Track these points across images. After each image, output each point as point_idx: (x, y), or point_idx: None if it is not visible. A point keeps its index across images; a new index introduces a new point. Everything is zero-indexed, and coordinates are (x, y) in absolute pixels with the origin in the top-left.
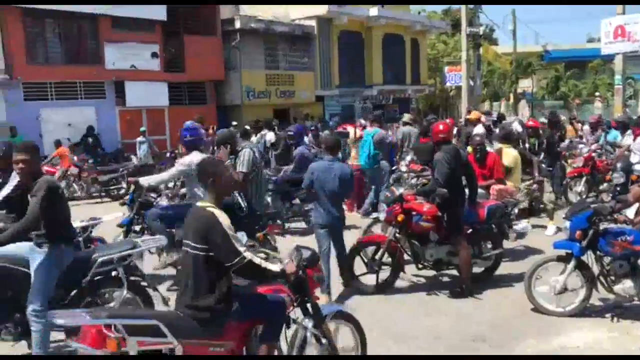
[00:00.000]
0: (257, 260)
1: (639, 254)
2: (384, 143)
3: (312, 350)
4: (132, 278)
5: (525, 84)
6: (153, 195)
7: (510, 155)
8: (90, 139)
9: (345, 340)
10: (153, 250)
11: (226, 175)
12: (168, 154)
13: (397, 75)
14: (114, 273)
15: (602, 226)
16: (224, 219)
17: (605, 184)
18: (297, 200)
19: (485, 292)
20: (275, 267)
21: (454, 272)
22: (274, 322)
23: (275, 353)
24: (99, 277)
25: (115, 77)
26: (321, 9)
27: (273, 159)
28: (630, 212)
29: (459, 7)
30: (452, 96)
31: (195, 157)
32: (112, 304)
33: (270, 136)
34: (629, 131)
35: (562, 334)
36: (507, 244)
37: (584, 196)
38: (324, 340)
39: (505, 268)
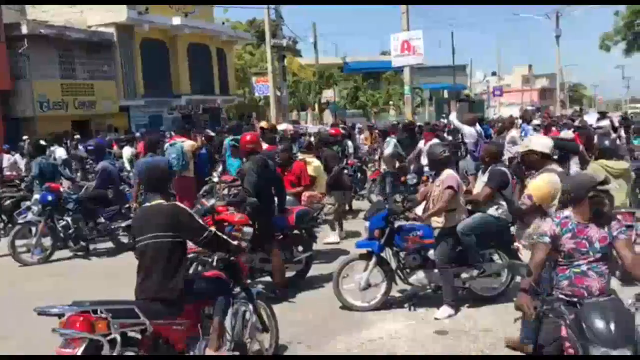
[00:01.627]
0: (219, 235)
1: (429, 246)
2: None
3: (250, 324)
4: None
5: (329, 94)
6: None
7: (313, 165)
8: None
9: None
10: None
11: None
12: None
13: (205, 85)
14: None
15: (397, 224)
16: (182, 205)
17: (402, 187)
18: (102, 219)
19: (299, 294)
20: (233, 242)
21: (268, 278)
22: (221, 300)
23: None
24: None
25: None
26: (120, 16)
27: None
28: (418, 210)
29: (263, 18)
30: (262, 106)
31: None
32: None
33: (60, 152)
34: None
35: (367, 327)
36: (315, 247)
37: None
38: (254, 318)
39: (317, 270)
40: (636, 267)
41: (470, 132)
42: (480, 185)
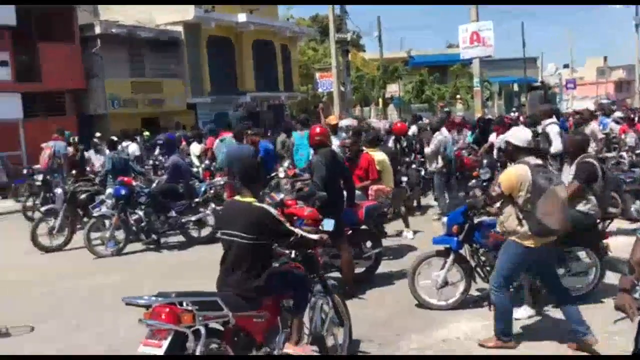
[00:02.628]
0: (304, 234)
1: None
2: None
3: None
4: None
5: (393, 89)
6: None
7: (379, 158)
8: None
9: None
10: None
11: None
12: (25, 171)
13: (269, 81)
14: None
15: (476, 220)
16: (272, 209)
17: (473, 180)
18: (173, 213)
19: (369, 291)
20: (315, 236)
21: (337, 274)
22: (300, 294)
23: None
24: None
25: None
26: (188, 14)
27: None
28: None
29: (326, 14)
30: (325, 102)
31: None
32: None
33: (133, 148)
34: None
35: (443, 326)
36: (385, 242)
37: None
38: (332, 311)
39: (386, 266)
40: None
41: (554, 131)
42: (567, 179)
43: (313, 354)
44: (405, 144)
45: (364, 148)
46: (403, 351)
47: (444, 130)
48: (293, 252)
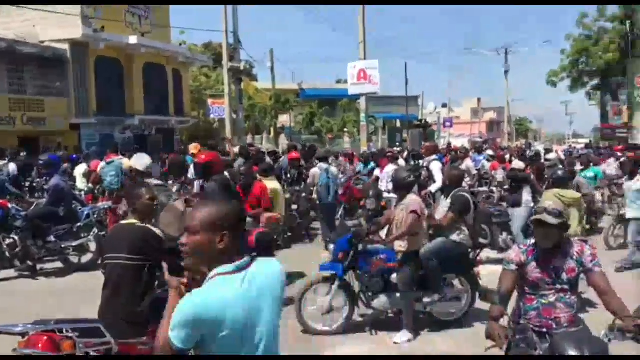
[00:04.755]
0: None
1: (392, 270)
2: None
3: None
4: None
5: (284, 119)
6: None
7: (271, 187)
8: None
9: None
10: None
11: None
12: None
13: (159, 105)
14: None
15: (361, 247)
16: (156, 229)
17: (360, 210)
18: (52, 238)
19: None
20: None
21: None
22: None
23: None
24: None
25: None
26: (75, 33)
27: None
28: (382, 233)
29: (220, 42)
30: (216, 128)
31: None
32: None
33: (12, 167)
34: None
35: (327, 351)
36: None
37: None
38: None
39: None
40: (613, 302)
41: (437, 168)
42: (442, 210)
43: None
44: (295, 172)
45: (257, 176)
46: None
47: (321, 164)
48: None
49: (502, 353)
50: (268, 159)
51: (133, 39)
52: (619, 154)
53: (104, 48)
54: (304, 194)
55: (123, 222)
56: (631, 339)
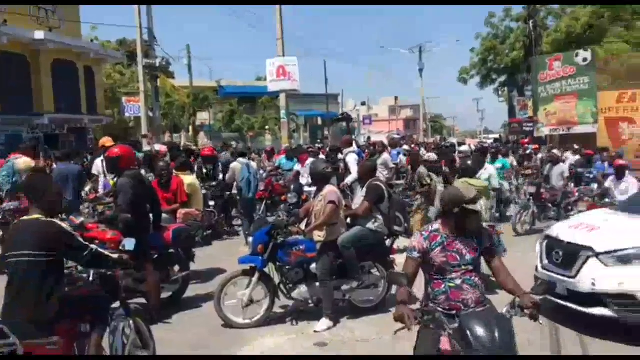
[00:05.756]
0: (101, 250)
1: (311, 260)
2: None
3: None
4: None
5: (203, 117)
6: None
7: (188, 181)
8: None
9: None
10: None
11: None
12: None
13: (71, 103)
14: None
15: (280, 239)
16: (62, 223)
17: (282, 205)
18: None
19: (176, 315)
20: (115, 256)
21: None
22: (98, 318)
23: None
24: None
25: None
26: None
27: None
28: (302, 226)
29: (134, 39)
30: (132, 127)
31: None
32: None
33: None
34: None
35: (248, 343)
36: (193, 267)
37: (263, 215)
38: (133, 335)
39: (194, 290)
40: (508, 281)
41: (352, 160)
42: (359, 200)
43: None
44: (211, 168)
45: (174, 171)
46: None
47: (241, 159)
48: (92, 275)
49: (411, 334)
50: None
51: (39, 34)
52: (533, 146)
53: (7, 43)
54: (227, 193)
55: (26, 217)
56: (527, 315)
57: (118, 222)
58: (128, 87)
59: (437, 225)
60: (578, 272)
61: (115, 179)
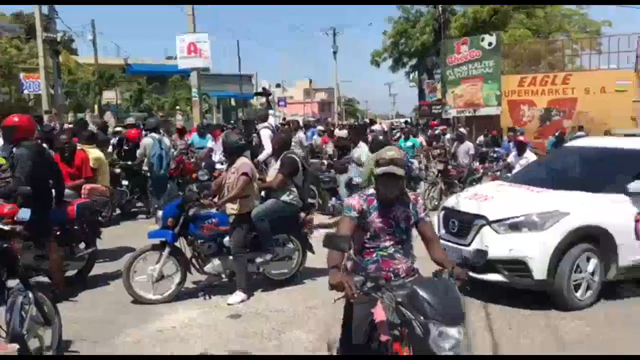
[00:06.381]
0: None
1: (224, 234)
2: None
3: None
4: None
5: (110, 96)
6: None
7: (94, 156)
8: None
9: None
10: None
11: None
12: None
13: None
14: None
15: (192, 212)
16: None
17: (193, 184)
18: None
19: (82, 293)
20: (6, 227)
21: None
22: None
23: None
24: None
25: None
26: None
27: None
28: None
29: (32, 12)
30: (32, 105)
31: None
32: None
33: None
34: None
35: (159, 318)
36: (100, 244)
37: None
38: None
39: (101, 268)
40: (438, 251)
41: (266, 135)
42: (273, 172)
43: (14, 353)
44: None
45: (79, 145)
46: (118, 346)
47: (153, 134)
48: None
49: (327, 305)
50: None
51: None
52: (441, 127)
53: None
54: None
55: None
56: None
57: (16, 195)
58: (26, 62)
59: (372, 190)
60: (472, 240)
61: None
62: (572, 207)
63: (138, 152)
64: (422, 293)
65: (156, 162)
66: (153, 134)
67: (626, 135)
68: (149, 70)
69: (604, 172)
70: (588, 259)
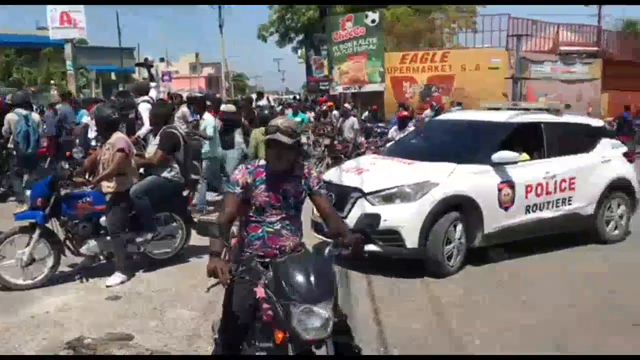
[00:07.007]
0: None
1: (100, 213)
2: None
3: None
4: None
5: None
6: None
7: None
8: None
9: None
10: None
11: None
12: None
13: None
14: None
15: (64, 191)
16: None
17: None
18: None
19: None
20: None
21: None
22: None
23: None
24: None
25: None
26: None
27: None
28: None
29: None
30: None
31: None
32: None
33: None
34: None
35: (32, 304)
36: None
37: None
38: None
39: None
40: (335, 223)
41: (144, 108)
42: (152, 149)
43: None
44: None
45: None
46: None
47: (19, 110)
48: None
49: (225, 288)
50: None
51: None
52: (329, 103)
53: None
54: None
55: None
56: (351, 254)
57: None
58: None
59: (263, 161)
60: (349, 212)
61: None
62: (442, 177)
63: (3, 129)
64: (284, 272)
65: (22, 140)
66: (19, 110)
67: (489, 108)
68: (18, 42)
69: (470, 143)
70: (455, 227)
